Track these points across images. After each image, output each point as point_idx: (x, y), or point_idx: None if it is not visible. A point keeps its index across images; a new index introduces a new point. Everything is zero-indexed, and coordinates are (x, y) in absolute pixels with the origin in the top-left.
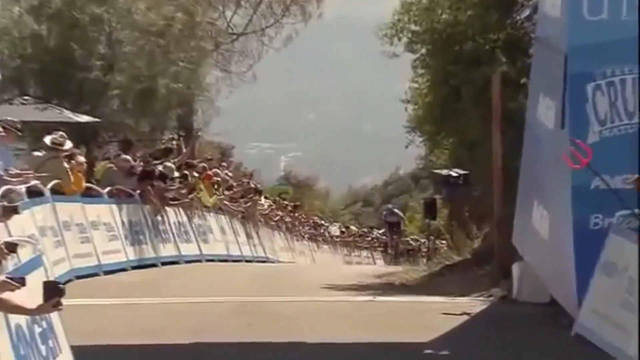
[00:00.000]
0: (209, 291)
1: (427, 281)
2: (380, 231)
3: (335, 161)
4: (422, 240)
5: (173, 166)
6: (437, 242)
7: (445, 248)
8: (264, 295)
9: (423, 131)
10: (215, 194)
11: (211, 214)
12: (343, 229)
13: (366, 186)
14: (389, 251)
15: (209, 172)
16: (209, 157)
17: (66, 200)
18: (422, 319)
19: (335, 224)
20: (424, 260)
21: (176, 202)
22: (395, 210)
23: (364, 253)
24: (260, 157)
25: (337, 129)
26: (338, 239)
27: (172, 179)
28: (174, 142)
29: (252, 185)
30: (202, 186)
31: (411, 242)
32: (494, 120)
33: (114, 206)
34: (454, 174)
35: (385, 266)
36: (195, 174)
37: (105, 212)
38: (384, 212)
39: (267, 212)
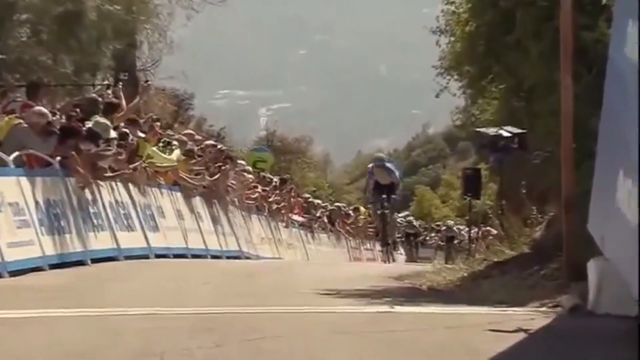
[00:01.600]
0: (160, 300)
1: (468, 285)
2: (402, 214)
3: (338, 116)
4: (461, 228)
5: (108, 122)
6: (481, 230)
7: (492, 238)
8: (237, 305)
9: (461, 73)
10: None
11: (164, 190)
12: (349, 212)
13: (381, 152)
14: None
15: (158, 129)
16: (155, 117)
17: None
18: (460, 338)
19: (337, 205)
20: (463, 255)
21: (113, 174)
22: (388, 165)
23: (379, 245)
24: (231, 110)
25: (341, 71)
26: (342, 226)
27: (107, 140)
28: (110, 91)
29: (221, 150)
30: (151, 148)
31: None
32: (563, 58)
33: (23, 179)
34: (506, 134)
35: (409, 264)
36: (141, 134)
37: (11, 188)
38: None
39: (243, 188)
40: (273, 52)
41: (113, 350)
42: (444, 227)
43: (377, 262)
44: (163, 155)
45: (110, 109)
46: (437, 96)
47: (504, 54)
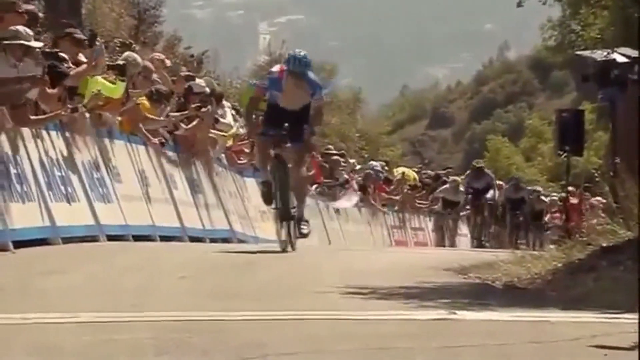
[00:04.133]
0: (114, 301)
1: (563, 280)
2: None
3: (374, 34)
4: (554, 197)
5: (29, 30)
6: (584, 200)
7: (600, 213)
8: (226, 310)
9: None
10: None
11: (119, 142)
12: (390, 176)
13: (437, 85)
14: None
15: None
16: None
17: None
18: (552, 357)
19: (373, 164)
20: (556, 237)
21: (42, 117)
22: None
23: (430, 223)
24: (218, 24)
25: None
26: (379, 196)
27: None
28: None
29: (201, 84)
30: (96, 77)
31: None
32: None
33: None
34: (621, 60)
35: (476, 250)
36: (83, 59)
37: None
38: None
39: (233, 140)
40: None
41: None
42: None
43: (429, 247)
44: (109, 87)
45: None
46: (519, 4)
47: None
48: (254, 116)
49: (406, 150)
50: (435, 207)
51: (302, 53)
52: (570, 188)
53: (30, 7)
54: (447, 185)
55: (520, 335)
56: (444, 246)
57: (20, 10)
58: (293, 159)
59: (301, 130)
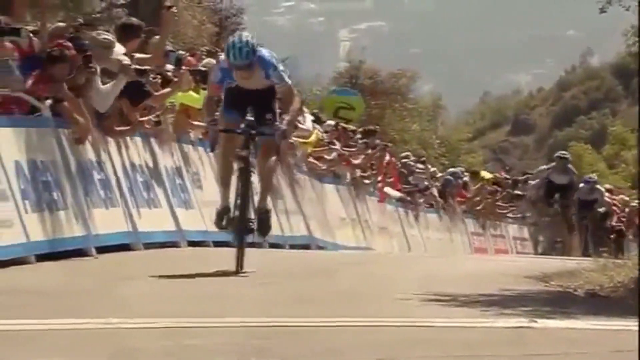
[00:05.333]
0: (193, 307)
1: None
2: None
3: (455, 41)
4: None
5: (111, 37)
6: None
7: None
8: (304, 316)
9: None
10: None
11: (200, 148)
12: (469, 181)
13: (519, 91)
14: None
15: (191, 58)
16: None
17: None
18: None
19: (453, 170)
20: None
21: (128, 128)
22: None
23: (515, 229)
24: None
25: None
26: (459, 202)
27: (124, 69)
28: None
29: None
30: (181, 81)
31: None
32: None
33: None
34: None
35: (559, 259)
36: (168, 69)
37: None
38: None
39: (313, 147)
40: None
41: None
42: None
43: (510, 255)
44: (196, 96)
45: (128, 32)
46: (602, 10)
47: None
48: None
49: (487, 157)
50: (527, 213)
51: (242, 39)
52: None
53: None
54: (535, 182)
55: (602, 345)
56: (543, 254)
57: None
58: (261, 150)
59: (268, 114)
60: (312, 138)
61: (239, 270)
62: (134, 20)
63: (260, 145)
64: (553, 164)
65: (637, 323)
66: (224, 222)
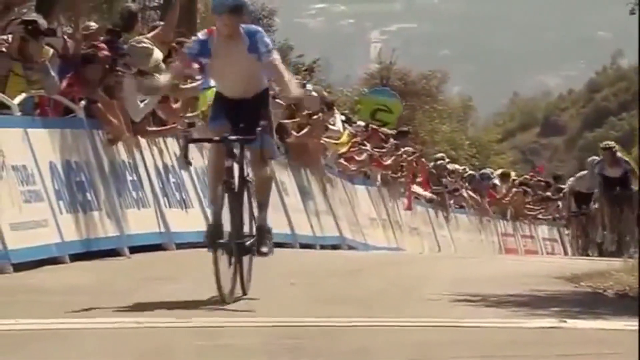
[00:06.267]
0: (225, 306)
1: None
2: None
3: (485, 42)
4: None
5: (150, 45)
6: None
7: None
8: (335, 315)
9: None
10: None
11: None
12: (500, 183)
13: (549, 93)
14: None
15: None
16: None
17: None
18: None
19: (483, 172)
20: None
21: (161, 128)
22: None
23: (545, 231)
24: (330, 33)
25: None
26: (489, 203)
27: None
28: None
29: (313, 93)
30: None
31: None
32: None
33: (33, 132)
34: None
35: (589, 260)
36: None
37: (16, 144)
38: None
39: (346, 147)
40: None
41: None
42: None
43: (540, 255)
44: None
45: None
46: (632, 12)
47: None
48: None
49: (517, 158)
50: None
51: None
52: None
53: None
54: (581, 173)
55: (631, 345)
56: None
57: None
58: (251, 161)
59: (257, 124)
60: (343, 139)
61: (232, 294)
62: (133, 6)
63: (249, 155)
64: (599, 157)
65: None
66: (214, 240)
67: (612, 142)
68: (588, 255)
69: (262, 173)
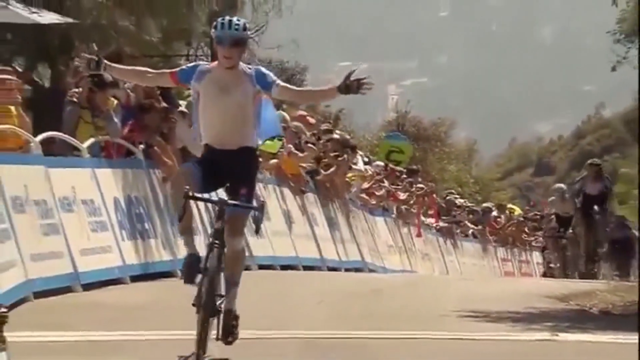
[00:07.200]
0: (262, 321)
1: None
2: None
3: (487, 95)
4: None
5: None
6: None
7: None
8: (358, 330)
9: None
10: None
11: (268, 186)
12: (500, 216)
13: (542, 139)
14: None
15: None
16: None
17: (14, 161)
18: None
19: (485, 205)
20: None
21: None
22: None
23: (537, 256)
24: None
25: (492, 38)
26: (490, 233)
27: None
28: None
29: (338, 137)
30: None
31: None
32: None
33: (100, 172)
34: None
35: (575, 281)
36: None
37: (85, 183)
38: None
39: (367, 183)
40: (405, 14)
41: None
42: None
43: (534, 278)
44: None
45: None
46: (613, 69)
47: None
48: None
49: (514, 194)
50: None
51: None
52: None
53: None
54: (551, 199)
55: (613, 356)
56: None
57: None
58: (228, 227)
59: (244, 188)
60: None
61: (200, 354)
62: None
63: (227, 219)
64: (585, 173)
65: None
66: (195, 277)
67: (599, 160)
68: (567, 276)
69: (237, 245)
